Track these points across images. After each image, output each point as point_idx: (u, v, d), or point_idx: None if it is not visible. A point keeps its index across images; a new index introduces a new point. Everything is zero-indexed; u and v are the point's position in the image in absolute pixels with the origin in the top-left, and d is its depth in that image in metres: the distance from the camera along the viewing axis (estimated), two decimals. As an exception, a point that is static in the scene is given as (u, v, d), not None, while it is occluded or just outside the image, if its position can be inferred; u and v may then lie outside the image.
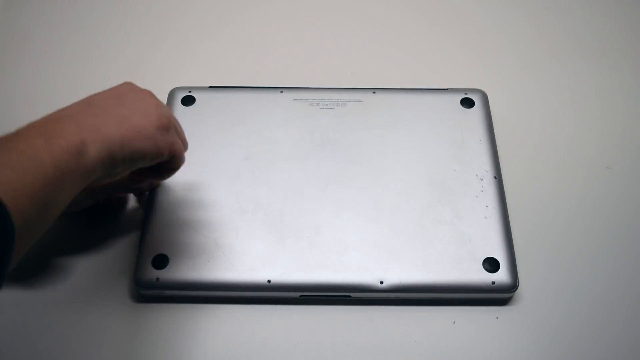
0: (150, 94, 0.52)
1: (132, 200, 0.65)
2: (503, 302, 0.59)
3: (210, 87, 0.71)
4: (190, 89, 0.70)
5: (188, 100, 0.69)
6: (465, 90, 0.70)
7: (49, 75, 0.76)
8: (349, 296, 0.58)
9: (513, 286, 0.57)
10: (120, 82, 0.52)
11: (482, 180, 0.63)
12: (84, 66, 0.77)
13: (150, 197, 0.62)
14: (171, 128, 0.51)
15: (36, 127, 0.43)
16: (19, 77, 0.76)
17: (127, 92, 0.50)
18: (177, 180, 0.63)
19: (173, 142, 0.51)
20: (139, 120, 0.48)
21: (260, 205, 0.61)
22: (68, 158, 0.42)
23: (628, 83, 0.75)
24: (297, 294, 0.58)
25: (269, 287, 0.57)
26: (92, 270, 0.61)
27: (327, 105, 0.68)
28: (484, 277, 0.57)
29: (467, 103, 0.69)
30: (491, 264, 0.58)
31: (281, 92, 0.69)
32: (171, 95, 0.70)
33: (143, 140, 0.48)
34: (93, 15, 0.82)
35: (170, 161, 0.52)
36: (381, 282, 0.57)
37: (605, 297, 0.59)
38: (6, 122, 0.71)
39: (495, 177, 0.63)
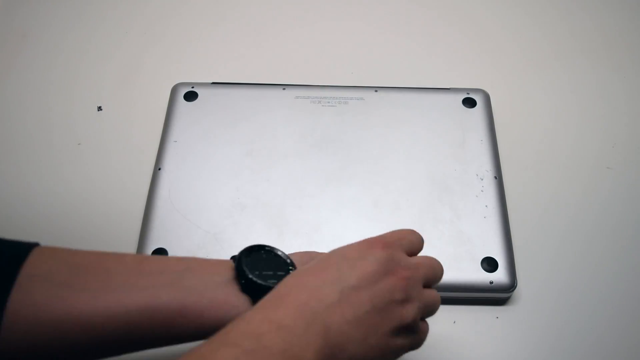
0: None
1: (130, 192, 0.65)
2: (501, 302, 0.59)
3: (213, 83, 0.71)
4: (193, 84, 0.70)
5: (191, 96, 0.69)
6: (468, 90, 0.70)
7: (50, 74, 0.76)
8: (347, 293, 0.58)
9: (511, 286, 0.57)
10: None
11: (482, 180, 0.63)
12: (85, 64, 0.77)
13: (151, 191, 0.62)
14: None
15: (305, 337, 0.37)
16: (19, 77, 0.76)
17: (387, 319, 0.41)
18: (177, 175, 0.63)
19: None
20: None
21: (260, 201, 0.61)
22: None
23: (629, 83, 0.75)
24: (295, 290, 0.58)
25: (268, 282, 0.57)
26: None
27: (329, 103, 0.69)
28: (482, 277, 0.57)
29: (469, 103, 0.69)
30: (489, 264, 0.58)
31: (283, 89, 0.70)
32: (174, 90, 0.70)
33: None
34: (93, 12, 0.82)
35: None
36: (379, 280, 0.57)
37: (604, 296, 0.59)
38: (6, 122, 0.72)
39: (495, 177, 0.63)
